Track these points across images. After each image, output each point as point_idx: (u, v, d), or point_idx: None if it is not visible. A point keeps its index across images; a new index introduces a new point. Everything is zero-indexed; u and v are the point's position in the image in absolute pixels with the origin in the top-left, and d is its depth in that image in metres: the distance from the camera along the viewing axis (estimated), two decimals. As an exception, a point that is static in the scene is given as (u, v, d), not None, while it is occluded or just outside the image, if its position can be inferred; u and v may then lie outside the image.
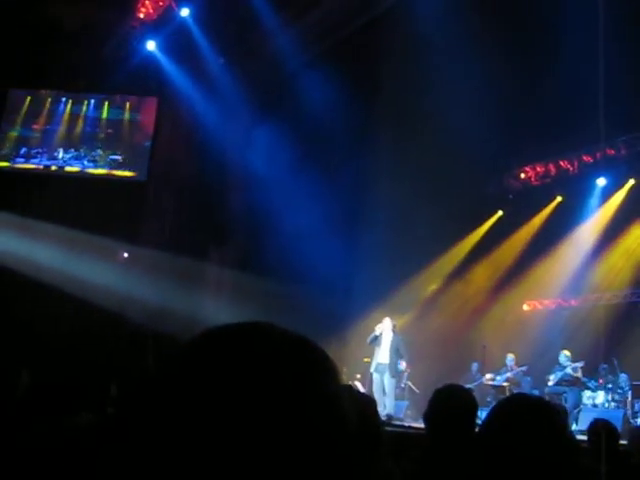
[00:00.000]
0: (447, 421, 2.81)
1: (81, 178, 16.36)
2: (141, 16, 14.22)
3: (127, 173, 16.24)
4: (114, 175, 16.34)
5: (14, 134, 17.15)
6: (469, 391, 3.01)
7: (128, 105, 16.52)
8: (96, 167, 16.74)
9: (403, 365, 11.19)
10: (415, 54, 12.35)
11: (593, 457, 4.00)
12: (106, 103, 16.75)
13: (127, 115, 16.66)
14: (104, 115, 16.85)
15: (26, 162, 17.12)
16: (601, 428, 4.26)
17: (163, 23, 14.13)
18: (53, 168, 16.89)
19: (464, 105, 12.40)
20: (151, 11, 14.08)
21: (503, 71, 13.07)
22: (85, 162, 16.85)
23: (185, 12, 13.94)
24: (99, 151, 16.84)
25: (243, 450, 0.81)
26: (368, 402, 2.78)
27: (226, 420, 0.82)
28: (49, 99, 17.08)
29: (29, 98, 17.07)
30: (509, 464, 1.70)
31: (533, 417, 1.73)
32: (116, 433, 3.33)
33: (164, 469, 0.82)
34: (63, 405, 3.65)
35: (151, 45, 14.58)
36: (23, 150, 17.20)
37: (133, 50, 14.57)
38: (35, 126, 17.38)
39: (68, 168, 16.89)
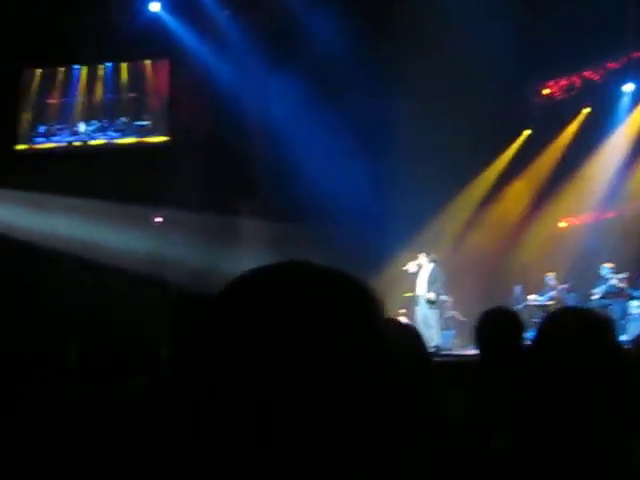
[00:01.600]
0: (496, 342, 2.81)
1: (104, 149, 15.96)
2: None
3: (158, 138, 15.72)
4: (145, 142, 15.82)
5: (29, 113, 16.39)
6: (515, 312, 3.00)
7: (141, 69, 15.99)
8: (123, 136, 16.11)
9: (431, 296, 11.09)
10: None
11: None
12: (123, 66, 16.06)
13: (142, 79, 16.04)
14: (122, 80, 16.13)
15: (47, 141, 16.42)
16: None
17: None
18: (76, 144, 16.28)
19: (480, 22, 12.12)
20: (150, -29, 13.87)
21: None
22: (110, 133, 16.22)
23: (185, -32, 13.74)
24: (123, 119, 16.15)
25: (304, 388, 0.82)
26: (412, 333, 2.79)
27: (289, 359, 0.83)
28: (61, 70, 16.38)
29: (39, 72, 16.31)
30: (561, 381, 1.65)
31: (582, 330, 1.68)
32: (172, 392, 3.41)
33: (231, 416, 0.82)
34: (114, 371, 3.75)
35: (155, 6, 14.40)
36: (41, 129, 16.42)
37: (138, 13, 14.41)
38: (50, 100, 16.59)
39: (92, 142, 16.27)
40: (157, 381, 3.85)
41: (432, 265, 10.92)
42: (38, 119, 16.39)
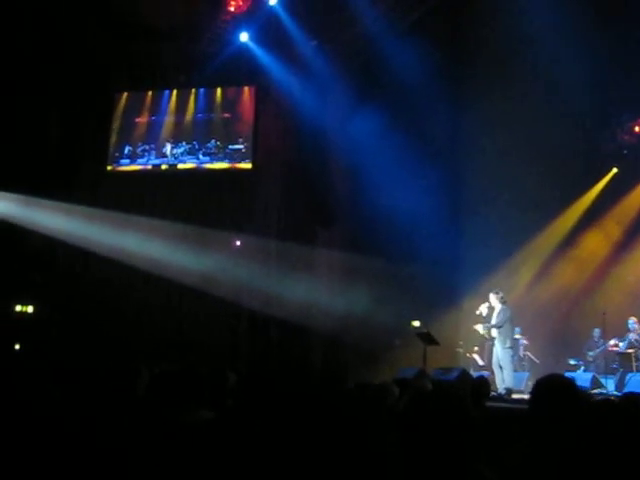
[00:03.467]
0: (549, 410, 2.77)
1: (191, 172, 15.81)
2: (232, 9, 14.47)
3: (244, 165, 15.54)
4: (236, 168, 15.55)
5: (116, 132, 16.18)
6: (568, 379, 2.95)
7: (230, 96, 16.13)
8: (213, 161, 15.75)
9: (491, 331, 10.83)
10: (505, 12, 11.94)
11: None
12: (218, 90, 16.05)
13: (231, 105, 16.02)
14: (211, 105, 16.06)
15: (132, 163, 16.10)
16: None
17: (253, 14, 14.34)
18: (164, 167, 16.00)
19: (568, 57, 11.91)
20: (241, 3, 14.31)
21: (608, 16, 12.45)
22: (200, 156, 15.86)
23: (273, 0, 14.10)
24: (213, 142, 15.83)
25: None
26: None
27: None
28: (150, 92, 16.31)
29: (126, 94, 16.21)
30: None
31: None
32: (235, 429, 3.48)
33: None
34: (183, 398, 3.84)
35: (244, 36, 14.81)
36: (127, 149, 16.11)
37: (227, 43, 14.85)
38: (138, 119, 16.31)
39: (181, 165, 15.90)
40: (220, 415, 3.93)
41: (500, 306, 10.70)
42: (123, 138, 16.25)
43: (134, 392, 4.38)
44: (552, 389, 2.89)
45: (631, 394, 5.00)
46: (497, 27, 12.68)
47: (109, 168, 16.20)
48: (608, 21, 12.44)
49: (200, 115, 16.20)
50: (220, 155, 15.80)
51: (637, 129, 15.06)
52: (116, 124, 16.34)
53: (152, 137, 16.31)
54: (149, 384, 4.48)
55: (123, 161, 16.25)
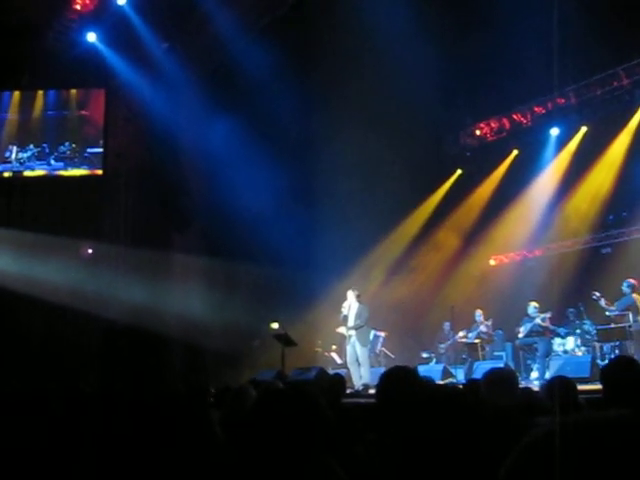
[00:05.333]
0: (393, 400, 2.90)
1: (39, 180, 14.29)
2: (78, 7, 13.90)
3: (87, 171, 14.30)
4: (95, 175, 14.21)
5: None
6: (412, 370, 3.12)
7: (75, 98, 15.07)
8: (67, 167, 14.04)
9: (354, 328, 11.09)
10: (355, 20, 12.29)
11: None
12: (59, 93, 14.73)
13: (75, 109, 14.81)
14: (70, 99, 14.69)
15: None
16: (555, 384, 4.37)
17: (101, 14, 13.84)
18: (6, 175, 14.23)
19: (415, 62, 12.40)
20: (87, 2, 13.77)
21: (448, 26, 13.10)
22: (52, 161, 14.08)
23: (122, 0, 13.68)
24: (68, 144, 14.15)
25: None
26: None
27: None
28: None
29: None
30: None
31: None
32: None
33: None
34: (28, 418, 3.66)
35: (92, 36, 14.27)
36: None
37: (74, 43, 14.22)
38: None
39: (29, 172, 14.14)
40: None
41: (357, 304, 11.00)
42: None
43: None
44: (395, 379, 3.03)
45: (472, 379, 5.31)
46: (346, 31, 13.00)
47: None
48: (454, 28, 13.12)
49: (51, 112, 14.53)
50: (76, 160, 14.27)
51: (478, 132, 16.03)
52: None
53: None
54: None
55: None
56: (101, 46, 14.40)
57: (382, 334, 13.65)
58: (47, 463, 2.89)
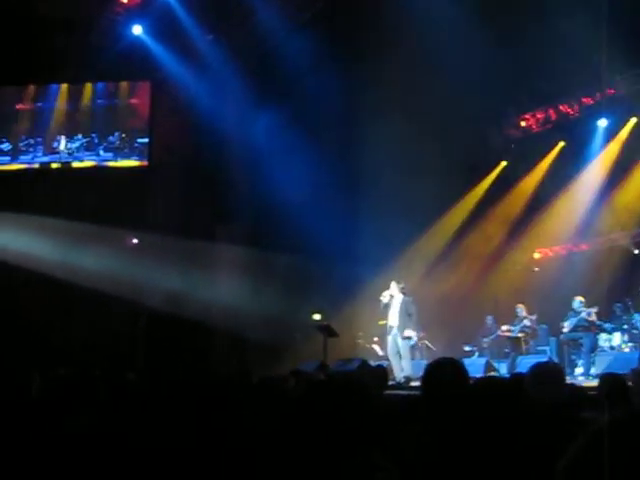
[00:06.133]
0: (439, 392, 2.88)
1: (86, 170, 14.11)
2: (124, 1, 14.07)
3: (136, 162, 14.12)
4: (143, 165, 14.04)
5: None
6: (458, 362, 3.08)
7: (124, 89, 15.11)
8: (117, 158, 13.69)
9: (410, 333, 11.05)
10: (398, 10, 12.20)
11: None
12: (106, 86, 14.47)
13: (125, 97, 14.71)
14: (120, 87, 14.48)
15: (13, 161, 13.67)
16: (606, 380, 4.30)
17: (147, 6, 13.99)
18: (54, 166, 13.93)
19: (458, 56, 12.27)
20: (133, -5, 13.95)
21: (493, 15, 12.92)
22: (101, 152, 13.72)
23: (167, -7, 13.82)
24: (118, 134, 13.80)
25: None
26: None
27: None
28: (33, 87, 14.08)
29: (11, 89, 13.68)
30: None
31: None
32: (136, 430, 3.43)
33: None
34: (76, 401, 3.74)
35: (137, 29, 14.44)
36: (6, 144, 13.60)
37: (120, 36, 14.42)
38: (19, 106, 13.72)
39: (77, 163, 13.76)
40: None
41: (402, 296, 10.95)
42: (2, 133, 13.83)
43: (27, 397, 4.26)
44: (440, 371, 3.01)
45: (516, 374, 5.27)
46: (391, 24, 12.93)
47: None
48: (500, 17, 12.92)
49: (100, 101, 14.17)
50: (126, 151, 13.95)
51: (523, 124, 15.76)
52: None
53: (39, 129, 14.19)
54: (42, 388, 4.37)
55: (1, 159, 13.98)
56: (147, 39, 14.57)
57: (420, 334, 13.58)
58: (97, 445, 2.95)
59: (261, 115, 13.72)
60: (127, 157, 14.03)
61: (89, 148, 13.97)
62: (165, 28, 14.25)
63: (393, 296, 11.01)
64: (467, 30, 12.07)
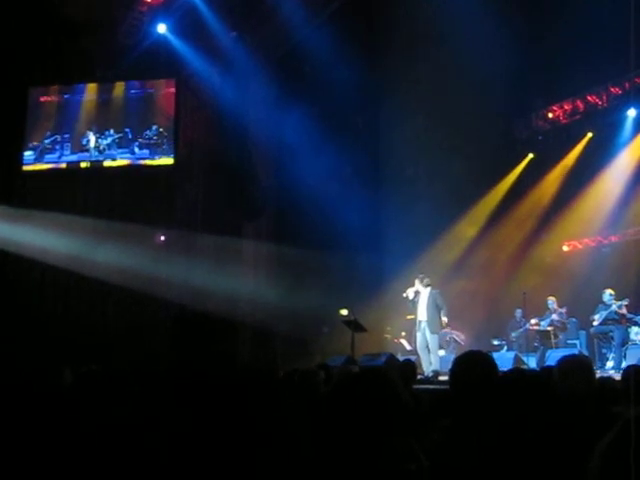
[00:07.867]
0: (468, 386, 2.86)
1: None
2: (148, 0, 14.17)
3: (164, 160, 13.45)
4: (153, 162, 13.38)
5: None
6: (487, 356, 3.06)
7: (149, 89, 14.74)
8: (155, 156, 12.58)
9: (445, 320, 11.07)
10: (423, 3, 12.14)
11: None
12: (130, 84, 13.93)
13: (160, 88, 14.10)
14: (129, 97, 13.79)
15: (37, 160, 12.63)
16: (632, 372, 4.24)
17: (171, 4, 14.07)
18: (84, 165, 12.97)
19: (483, 48, 12.19)
20: (157, -6, 14.03)
21: (519, 6, 12.80)
22: (136, 149, 12.57)
23: (191, -9, 13.89)
24: (155, 128, 12.74)
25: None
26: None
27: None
28: (59, 87, 13.24)
29: (40, 89, 12.88)
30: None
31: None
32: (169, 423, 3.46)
33: None
34: (108, 396, 3.79)
35: (162, 28, 14.52)
36: (30, 144, 12.50)
37: (145, 35, 14.51)
38: (44, 98, 12.61)
39: (109, 162, 12.63)
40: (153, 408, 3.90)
41: (428, 289, 10.90)
42: (27, 129, 12.66)
43: (58, 392, 4.32)
44: (469, 364, 2.99)
45: (546, 367, 5.21)
46: (414, 14, 12.86)
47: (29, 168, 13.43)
48: (523, 10, 12.80)
49: (134, 92, 13.20)
50: (165, 147, 12.88)
51: (550, 115, 15.59)
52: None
53: (65, 123, 13.22)
54: (73, 384, 4.43)
55: (26, 157, 12.82)
56: (171, 37, 14.65)
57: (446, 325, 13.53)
58: (128, 437, 2.99)
59: (286, 110, 13.73)
60: (166, 154, 12.85)
61: (122, 144, 12.84)
62: (189, 26, 14.31)
63: (419, 292, 10.97)
64: (494, 22, 11.97)
